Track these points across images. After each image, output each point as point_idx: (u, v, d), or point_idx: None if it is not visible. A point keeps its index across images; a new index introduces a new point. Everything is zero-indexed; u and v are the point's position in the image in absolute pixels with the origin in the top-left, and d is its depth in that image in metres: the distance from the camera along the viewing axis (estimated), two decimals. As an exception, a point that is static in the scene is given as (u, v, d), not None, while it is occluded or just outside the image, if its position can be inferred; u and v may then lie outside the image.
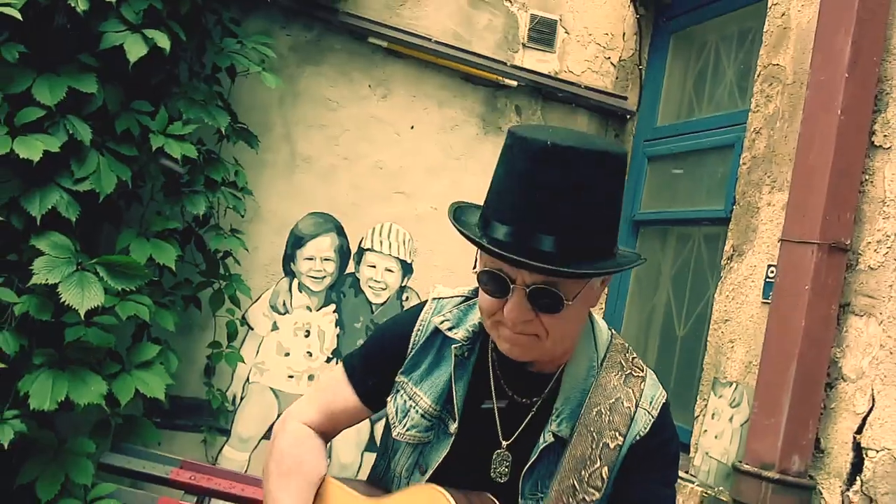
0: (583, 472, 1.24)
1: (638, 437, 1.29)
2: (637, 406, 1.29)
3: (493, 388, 1.34)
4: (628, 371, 1.34)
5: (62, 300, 2.33)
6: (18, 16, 2.22)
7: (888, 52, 2.59)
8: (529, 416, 1.32)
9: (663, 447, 1.32)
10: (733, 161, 3.33)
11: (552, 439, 1.28)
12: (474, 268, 1.26)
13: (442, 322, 1.40)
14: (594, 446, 1.26)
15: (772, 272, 2.82)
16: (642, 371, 1.36)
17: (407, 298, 3.87)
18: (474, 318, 1.39)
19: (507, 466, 1.30)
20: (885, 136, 2.55)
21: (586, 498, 1.23)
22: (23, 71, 2.42)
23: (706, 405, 3.08)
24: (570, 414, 1.29)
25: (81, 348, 2.55)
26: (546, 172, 1.13)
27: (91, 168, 2.54)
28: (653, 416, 1.32)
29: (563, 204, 1.14)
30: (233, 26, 3.17)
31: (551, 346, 1.23)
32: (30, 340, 2.49)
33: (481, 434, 1.32)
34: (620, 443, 1.27)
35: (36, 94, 2.40)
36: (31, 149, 2.34)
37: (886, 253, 2.48)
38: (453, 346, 1.37)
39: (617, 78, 4.15)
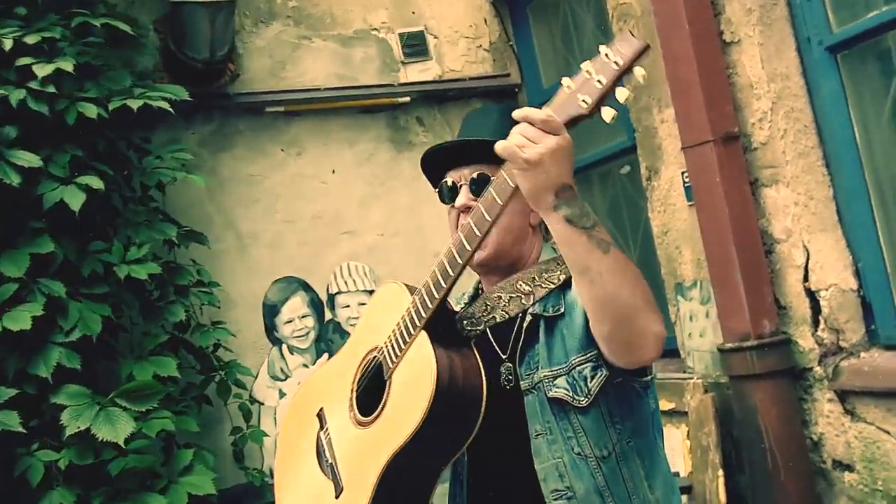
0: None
1: None
2: None
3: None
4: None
5: (99, 439, 2.53)
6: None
7: (708, -39, 2.96)
8: (514, 328, 1.58)
9: None
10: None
11: (530, 318, 1.55)
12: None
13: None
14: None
15: (687, 177, 3.17)
16: None
17: (388, 323, 4.12)
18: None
19: (510, 374, 1.56)
20: (731, 32, 2.92)
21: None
22: (-15, 255, 2.60)
23: (678, 311, 3.41)
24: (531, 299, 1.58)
25: (130, 476, 2.74)
26: (473, 119, 1.72)
27: (75, 317, 2.73)
28: None
29: (484, 123, 1.63)
30: (145, 145, 3.37)
31: (496, 235, 1.53)
32: (82, 488, 2.67)
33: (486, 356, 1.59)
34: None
35: (4, 270, 2.59)
36: (20, 320, 2.54)
37: (770, 126, 2.85)
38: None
39: (494, 60, 4.48)
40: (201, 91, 3.71)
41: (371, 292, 4.11)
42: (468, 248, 1.43)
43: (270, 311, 3.93)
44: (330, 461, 1.60)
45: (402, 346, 1.50)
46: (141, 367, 2.97)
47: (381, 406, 1.51)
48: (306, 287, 4.00)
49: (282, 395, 3.89)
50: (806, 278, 2.82)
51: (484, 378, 1.45)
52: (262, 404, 3.84)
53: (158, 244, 3.33)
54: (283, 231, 3.95)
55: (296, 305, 3.99)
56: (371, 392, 1.58)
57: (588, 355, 1.48)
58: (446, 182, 1.64)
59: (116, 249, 2.98)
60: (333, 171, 4.08)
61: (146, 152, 3.37)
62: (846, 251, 2.82)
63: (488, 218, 1.38)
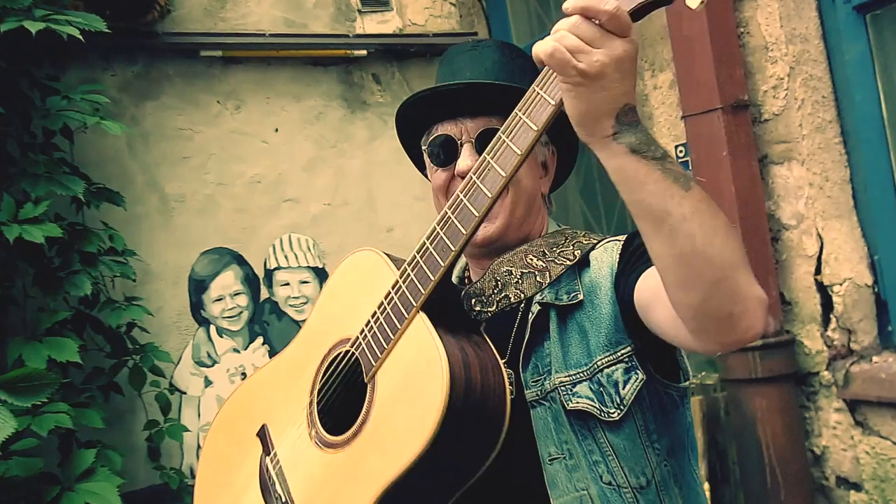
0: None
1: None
2: (594, 246, 1.25)
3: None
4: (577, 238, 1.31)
5: (-31, 441, 2.01)
6: None
7: None
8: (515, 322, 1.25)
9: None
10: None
11: (537, 307, 1.21)
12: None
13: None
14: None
15: (681, 152, 2.80)
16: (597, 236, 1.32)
17: (332, 304, 3.65)
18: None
19: (510, 381, 1.21)
20: (746, -16, 2.54)
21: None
22: None
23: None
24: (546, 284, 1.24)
25: (10, 486, 2.24)
26: (463, 56, 1.32)
27: (-53, 285, 2.20)
28: (622, 239, 1.24)
29: (480, 61, 1.29)
30: (52, 83, 2.82)
31: (511, 198, 1.24)
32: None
33: None
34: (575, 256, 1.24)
35: None
36: None
37: (785, 95, 2.49)
38: None
39: (461, 16, 4.03)
40: (124, 26, 3.16)
41: (315, 269, 3.64)
42: (487, 192, 1.05)
43: (198, 287, 3.43)
44: (284, 498, 1.19)
45: (391, 335, 1.10)
46: (33, 350, 2.45)
47: (360, 419, 1.10)
48: (240, 260, 3.51)
49: (207, 383, 3.40)
50: (818, 271, 2.48)
51: (505, 373, 1.09)
52: (185, 394, 3.34)
53: (63, 202, 2.80)
54: (215, 195, 3.44)
55: (227, 281, 3.49)
56: (340, 400, 1.19)
57: (619, 354, 1.16)
58: (439, 136, 1.28)
59: (7, 205, 2.45)
60: (276, 130, 3.58)
61: (52, 91, 2.82)
62: (862, 241, 2.49)
63: (517, 150, 1.02)
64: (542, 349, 1.20)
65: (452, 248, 1.06)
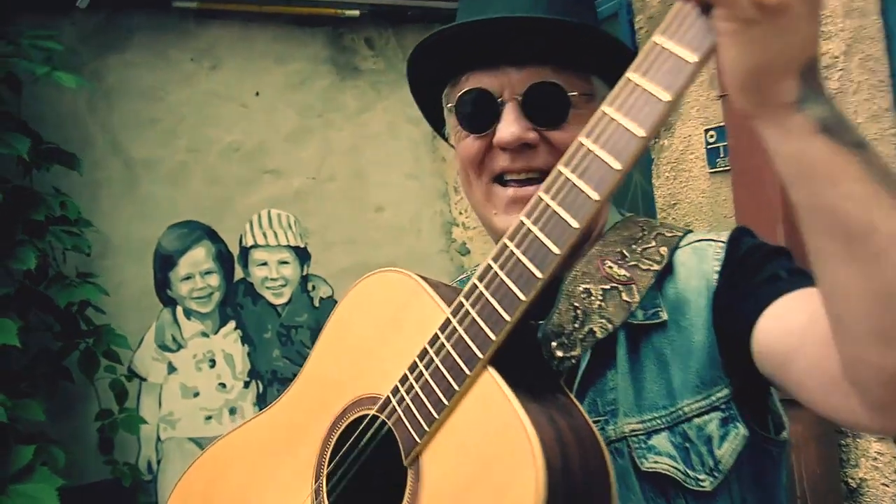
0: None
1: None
2: (679, 241, 0.94)
3: None
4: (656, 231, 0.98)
5: None
6: None
7: None
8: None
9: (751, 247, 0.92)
10: (621, 31, 2.96)
11: (599, 328, 0.90)
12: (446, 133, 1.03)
13: None
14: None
15: (712, 136, 2.50)
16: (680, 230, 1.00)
17: (314, 288, 3.34)
18: None
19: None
20: (801, -54, 2.22)
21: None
22: None
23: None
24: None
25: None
26: None
27: None
28: (720, 241, 0.93)
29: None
30: (-4, 26, 2.48)
31: None
32: None
33: None
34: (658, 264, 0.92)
35: None
36: None
37: (840, 76, 2.18)
38: None
39: (465, -21, 3.69)
40: (87, -31, 2.81)
41: (296, 249, 3.31)
42: (591, 193, 0.70)
43: (164, 264, 3.10)
44: None
45: (444, 401, 0.75)
46: (-38, 332, 2.13)
47: None
48: (213, 236, 3.18)
49: (171, 369, 3.08)
50: (866, 278, 2.19)
51: (605, 448, 0.75)
52: (145, 380, 3.03)
53: (8, 163, 2.46)
54: (187, 163, 3.10)
55: (197, 258, 3.16)
56: (363, 487, 0.83)
57: (714, 398, 0.86)
58: (471, 91, 0.93)
59: (-65, 164, 2.11)
60: (257, 94, 3.25)
61: (-2, 36, 2.48)
62: (915, 247, 2.20)
63: (638, 132, 0.67)
64: (603, 381, 0.89)
65: (539, 276, 0.70)
